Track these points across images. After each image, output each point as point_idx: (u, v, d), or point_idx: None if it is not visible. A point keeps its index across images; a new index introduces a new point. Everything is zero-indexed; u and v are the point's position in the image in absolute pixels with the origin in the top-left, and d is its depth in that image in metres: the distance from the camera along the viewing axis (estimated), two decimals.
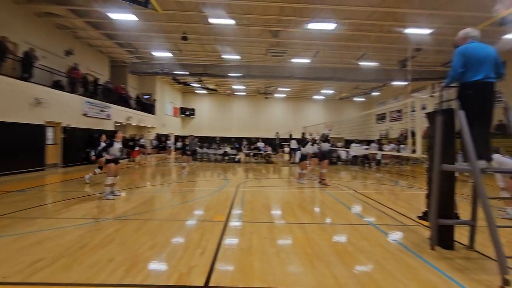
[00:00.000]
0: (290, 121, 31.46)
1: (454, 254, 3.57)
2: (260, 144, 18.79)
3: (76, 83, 14.05)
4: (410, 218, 5.27)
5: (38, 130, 11.25)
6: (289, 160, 19.30)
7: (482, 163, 3.30)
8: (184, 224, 4.68)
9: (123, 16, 11.73)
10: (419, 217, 4.57)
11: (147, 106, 21.95)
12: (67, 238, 3.88)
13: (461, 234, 4.07)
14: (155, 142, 19.13)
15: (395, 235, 4.33)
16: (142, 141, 17.82)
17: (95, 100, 15.04)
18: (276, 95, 29.56)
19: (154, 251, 3.50)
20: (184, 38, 14.29)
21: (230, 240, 3.95)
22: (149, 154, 19.73)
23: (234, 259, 3.32)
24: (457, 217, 3.87)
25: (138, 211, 5.47)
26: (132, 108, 19.48)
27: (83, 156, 13.99)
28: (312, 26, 12.07)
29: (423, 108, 4.91)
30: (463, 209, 4.15)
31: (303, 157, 9.42)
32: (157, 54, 17.02)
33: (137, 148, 17.19)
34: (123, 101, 18.38)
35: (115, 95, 17.34)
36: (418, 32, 12.59)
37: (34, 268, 2.95)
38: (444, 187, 3.70)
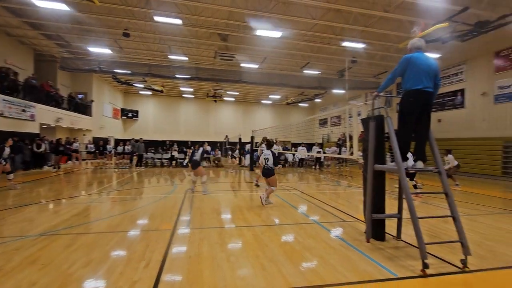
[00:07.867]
0: (239, 124, 31.70)
1: (385, 245, 4.01)
2: (208, 148, 18.44)
3: None
4: (349, 215, 5.75)
5: None
6: (239, 163, 19.39)
7: (407, 163, 3.78)
8: (125, 236, 4.31)
9: (51, 5, 10.38)
10: None
11: (81, 107, 19.76)
12: None
13: (390, 226, 4.60)
14: (91, 147, 17.27)
15: (337, 231, 4.67)
16: (75, 145, 15.92)
17: (15, 98, 12.96)
18: (225, 98, 29.51)
19: (88, 268, 3.13)
20: (126, 35, 13.34)
21: (178, 249, 3.77)
22: (84, 160, 17.75)
23: (182, 268, 3.17)
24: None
25: (70, 224, 4.85)
26: (63, 108, 17.32)
27: None
28: (260, 32, 12.42)
29: (359, 115, 5.44)
30: (391, 204, 4.70)
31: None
32: (94, 50, 15.46)
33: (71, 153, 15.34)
34: (52, 100, 16.22)
35: (41, 93, 15.20)
36: (353, 45, 14.00)
37: None
38: (377, 184, 4.14)
